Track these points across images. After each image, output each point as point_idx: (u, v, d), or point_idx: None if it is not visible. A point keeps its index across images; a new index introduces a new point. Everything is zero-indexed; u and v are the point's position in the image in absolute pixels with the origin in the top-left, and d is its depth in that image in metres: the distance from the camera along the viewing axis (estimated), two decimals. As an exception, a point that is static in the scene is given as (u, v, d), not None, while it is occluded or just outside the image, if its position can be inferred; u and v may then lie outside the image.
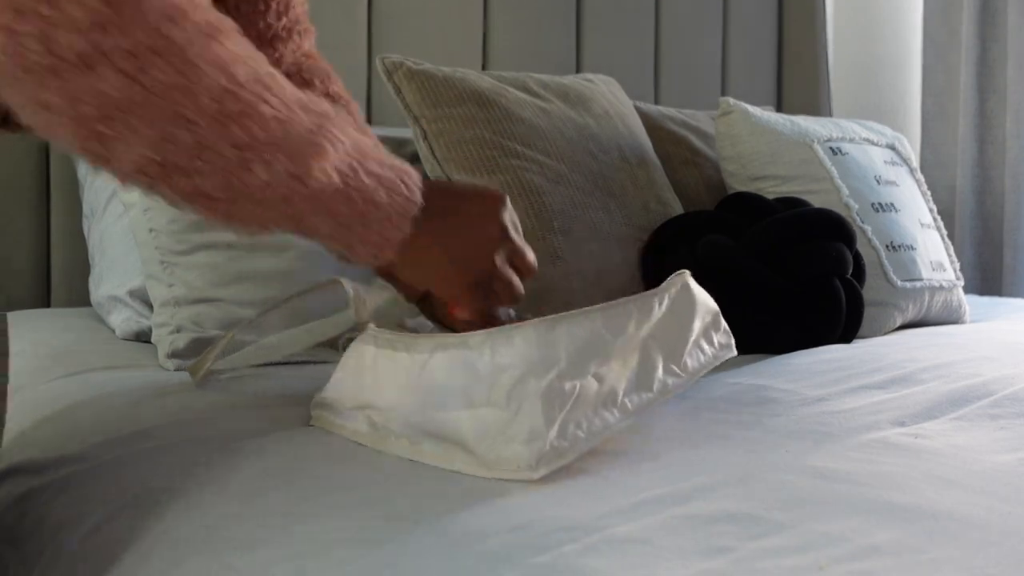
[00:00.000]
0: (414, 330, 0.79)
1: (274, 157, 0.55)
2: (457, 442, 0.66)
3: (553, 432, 0.63)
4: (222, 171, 0.54)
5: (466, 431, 0.65)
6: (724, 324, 0.82)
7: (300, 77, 0.87)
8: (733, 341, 0.82)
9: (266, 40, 0.82)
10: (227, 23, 0.55)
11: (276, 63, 0.81)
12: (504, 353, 0.64)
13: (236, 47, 0.54)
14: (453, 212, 0.66)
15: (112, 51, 0.49)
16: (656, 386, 0.72)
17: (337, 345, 0.90)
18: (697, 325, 0.78)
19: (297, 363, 1.00)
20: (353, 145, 0.60)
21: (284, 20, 0.82)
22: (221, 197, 0.55)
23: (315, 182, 0.57)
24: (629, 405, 0.69)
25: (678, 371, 0.74)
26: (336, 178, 0.58)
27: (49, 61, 0.48)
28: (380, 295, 0.80)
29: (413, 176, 0.64)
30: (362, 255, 0.63)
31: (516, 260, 0.70)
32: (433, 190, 0.65)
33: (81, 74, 0.49)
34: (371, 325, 0.74)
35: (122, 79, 0.50)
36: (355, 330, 0.80)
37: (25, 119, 0.52)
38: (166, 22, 0.51)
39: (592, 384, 0.67)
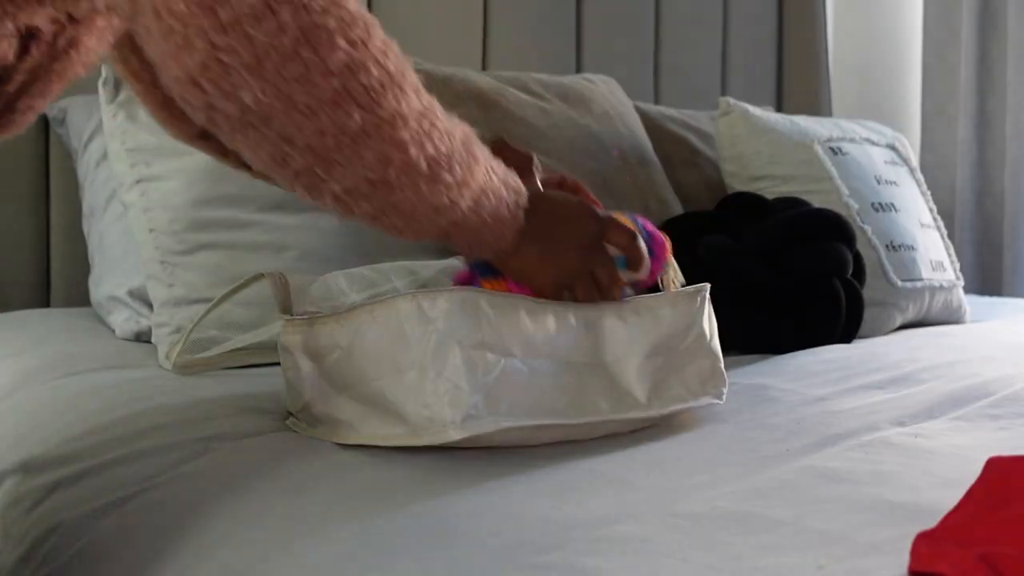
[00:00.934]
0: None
1: (451, 169, 0.63)
2: (392, 410, 0.67)
3: (477, 396, 0.65)
4: (413, 184, 0.62)
5: (398, 397, 0.67)
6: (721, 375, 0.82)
7: None
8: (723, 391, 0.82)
9: None
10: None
11: None
12: (430, 316, 0.66)
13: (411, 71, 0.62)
14: (549, 227, 0.73)
15: (357, 89, 0.57)
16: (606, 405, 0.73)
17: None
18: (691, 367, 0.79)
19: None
20: (502, 174, 0.69)
21: None
22: (401, 210, 0.64)
23: (470, 211, 0.66)
24: (575, 406, 0.71)
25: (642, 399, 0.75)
26: (485, 204, 0.67)
27: (308, 100, 0.55)
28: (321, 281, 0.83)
29: (524, 195, 0.72)
30: (482, 254, 0.73)
31: (599, 270, 0.75)
32: (540, 201, 0.74)
33: (332, 111, 0.56)
34: (287, 316, 0.76)
35: (362, 112, 0.57)
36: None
37: (251, 139, 0.58)
38: (383, 55, 0.59)
39: (521, 368, 0.68)
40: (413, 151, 0.60)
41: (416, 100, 0.60)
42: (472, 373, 0.66)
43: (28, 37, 0.60)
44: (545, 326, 0.71)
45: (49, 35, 0.61)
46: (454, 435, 0.65)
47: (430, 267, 1.00)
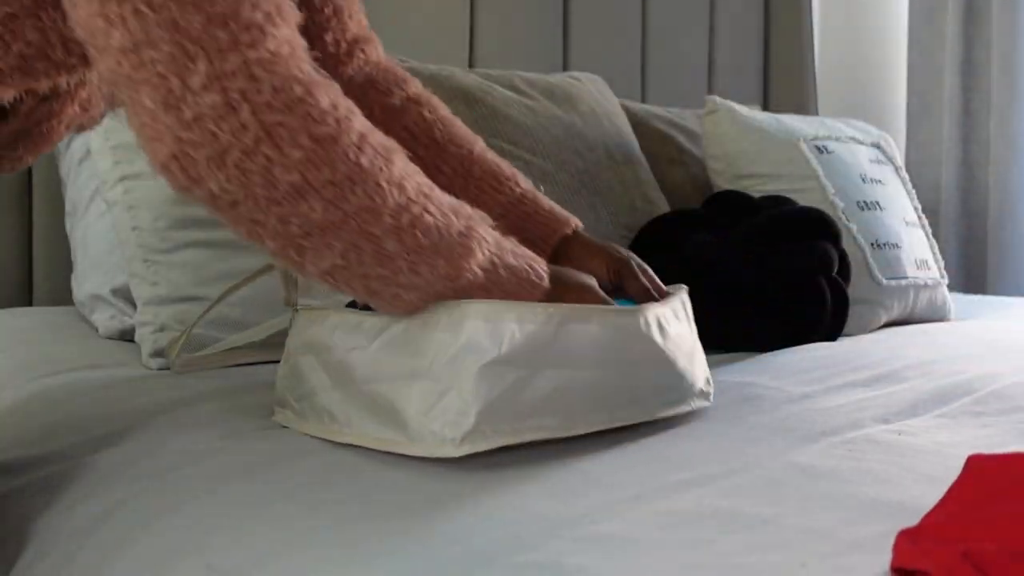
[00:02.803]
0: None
1: (435, 261, 0.64)
2: (393, 416, 0.66)
3: (482, 415, 0.64)
4: (393, 274, 0.63)
5: (402, 403, 0.66)
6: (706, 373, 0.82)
7: (375, 89, 0.88)
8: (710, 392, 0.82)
9: (330, 63, 0.85)
10: (393, 143, 0.63)
11: (345, 82, 0.84)
12: (452, 329, 0.65)
13: (403, 164, 0.63)
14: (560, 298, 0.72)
15: (319, 183, 0.58)
16: (609, 415, 0.71)
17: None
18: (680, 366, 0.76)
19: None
20: (495, 242, 0.68)
21: (343, 44, 0.87)
22: (387, 293, 0.64)
23: (464, 280, 0.65)
24: (576, 419, 0.69)
25: (640, 409, 0.73)
26: (480, 274, 0.66)
27: (268, 193, 0.58)
28: None
29: (539, 264, 0.71)
30: None
31: None
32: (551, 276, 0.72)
33: (293, 203, 0.58)
34: (306, 306, 0.76)
35: (325, 205, 0.59)
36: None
37: (226, 219, 0.61)
38: (356, 151, 0.59)
39: (535, 383, 0.66)
40: (389, 245, 0.61)
41: (394, 194, 0.61)
42: (483, 389, 0.64)
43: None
44: (579, 337, 0.68)
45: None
46: (453, 452, 0.64)
47: None
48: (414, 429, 0.65)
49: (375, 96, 0.87)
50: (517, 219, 0.85)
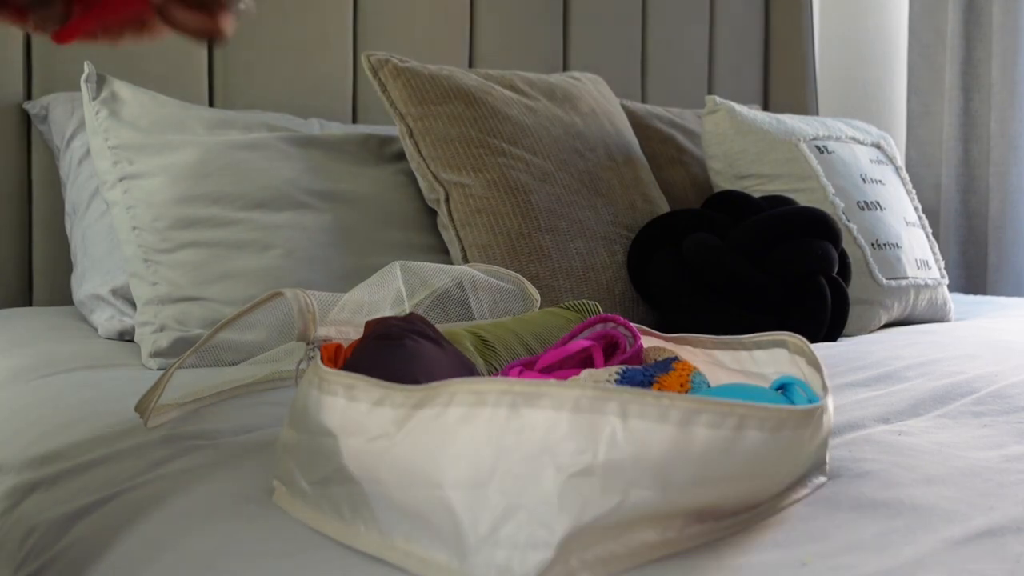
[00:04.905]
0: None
1: None
2: (443, 531, 0.48)
3: (567, 545, 0.46)
4: None
5: (459, 516, 0.47)
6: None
7: None
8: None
9: None
10: None
11: None
12: (513, 419, 0.46)
13: None
14: None
15: None
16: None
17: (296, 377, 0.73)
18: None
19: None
20: None
21: None
22: None
23: None
24: (679, 532, 0.51)
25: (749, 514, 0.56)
26: None
27: None
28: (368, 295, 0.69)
29: None
30: None
31: None
32: None
33: None
34: (325, 340, 0.64)
35: None
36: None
37: None
38: None
39: (634, 500, 0.47)
40: None
41: None
42: (568, 509, 0.45)
43: None
44: (707, 444, 0.48)
45: None
46: None
47: (441, 272, 0.83)
48: (469, 554, 0.47)
49: None
50: None
